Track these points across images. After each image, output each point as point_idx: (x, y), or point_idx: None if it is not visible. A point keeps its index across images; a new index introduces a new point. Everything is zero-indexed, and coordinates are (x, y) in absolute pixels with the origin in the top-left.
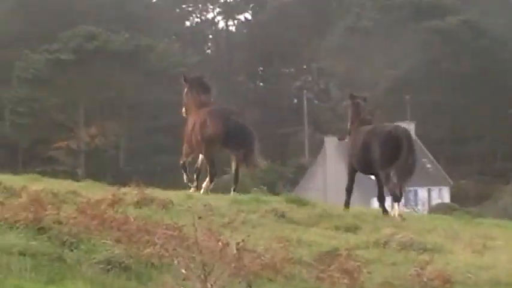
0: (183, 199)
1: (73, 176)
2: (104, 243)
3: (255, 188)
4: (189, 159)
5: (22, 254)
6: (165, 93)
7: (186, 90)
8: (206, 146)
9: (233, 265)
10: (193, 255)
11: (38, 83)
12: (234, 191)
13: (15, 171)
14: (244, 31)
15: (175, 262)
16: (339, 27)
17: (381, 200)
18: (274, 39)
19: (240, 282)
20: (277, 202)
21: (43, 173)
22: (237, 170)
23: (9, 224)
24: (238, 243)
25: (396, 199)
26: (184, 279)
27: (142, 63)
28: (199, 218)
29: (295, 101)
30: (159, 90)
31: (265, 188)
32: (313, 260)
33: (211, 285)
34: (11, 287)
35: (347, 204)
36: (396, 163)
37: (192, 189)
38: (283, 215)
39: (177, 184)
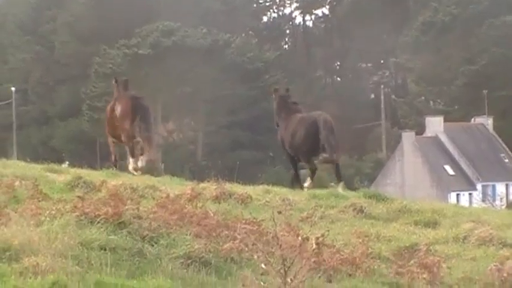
0: (261, 194)
1: (151, 171)
2: (183, 238)
3: (332, 183)
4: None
5: (102, 248)
6: (242, 88)
7: (115, 90)
8: (120, 124)
9: (312, 260)
10: (273, 249)
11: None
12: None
13: (93, 166)
14: (322, 26)
15: (255, 257)
16: (416, 21)
17: (297, 180)
18: (351, 34)
19: (319, 277)
20: (355, 197)
21: (120, 168)
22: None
23: (89, 218)
24: (317, 238)
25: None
26: (263, 274)
27: (220, 58)
28: (279, 212)
29: (373, 96)
30: (236, 85)
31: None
32: (393, 255)
33: (291, 279)
34: (92, 282)
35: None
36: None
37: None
38: (361, 210)
39: (255, 179)
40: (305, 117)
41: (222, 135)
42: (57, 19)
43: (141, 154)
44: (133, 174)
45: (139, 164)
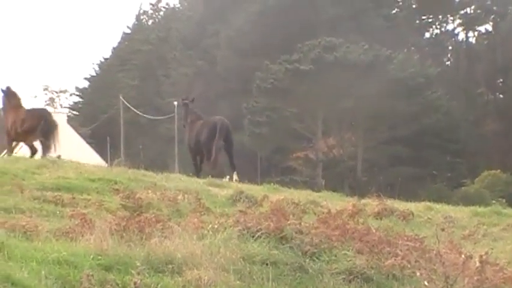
0: (422, 210)
1: (311, 186)
2: (345, 253)
3: (494, 201)
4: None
5: (264, 263)
6: (403, 103)
7: (4, 99)
8: (26, 135)
9: (475, 278)
10: (435, 267)
11: (277, 93)
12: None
13: (254, 181)
14: (485, 42)
15: (417, 274)
16: None
17: (197, 172)
18: None
19: None
20: None
21: (281, 183)
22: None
23: (251, 233)
24: (481, 256)
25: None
26: None
27: (381, 73)
28: (442, 229)
29: None
30: (398, 101)
31: (504, 200)
32: None
33: None
34: None
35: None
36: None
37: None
38: None
39: (416, 195)
40: (208, 120)
41: (382, 151)
42: (220, 34)
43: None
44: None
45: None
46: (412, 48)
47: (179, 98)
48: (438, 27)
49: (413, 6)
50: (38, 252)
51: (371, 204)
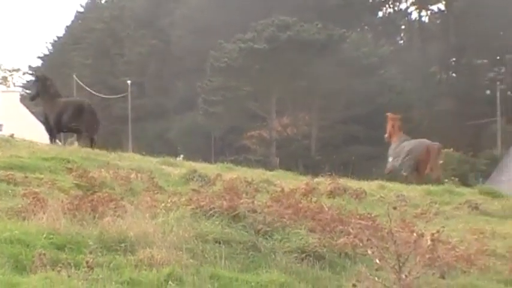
0: (375, 189)
1: (265, 165)
2: (297, 232)
3: (446, 180)
4: None
5: (217, 241)
6: (356, 83)
7: None
8: None
9: (427, 256)
10: (387, 245)
11: (231, 72)
12: None
13: (208, 160)
14: (437, 22)
15: (369, 252)
16: None
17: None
18: (468, 30)
19: (433, 273)
20: (470, 194)
21: (235, 162)
22: None
23: (204, 211)
24: (432, 234)
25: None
26: (378, 270)
27: (335, 53)
28: (394, 208)
29: (488, 92)
30: (352, 80)
31: (456, 179)
32: (508, 252)
33: (406, 275)
34: (207, 275)
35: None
36: (84, 123)
37: None
38: (476, 207)
39: (370, 174)
40: (71, 100)
41: (336, 130)
42: (174, 12)
43: None
44: None
45: None
46: (366, 27)
47: (131, 77)
48: (391, 6)
49: None
50: None
51: (324, 183)
